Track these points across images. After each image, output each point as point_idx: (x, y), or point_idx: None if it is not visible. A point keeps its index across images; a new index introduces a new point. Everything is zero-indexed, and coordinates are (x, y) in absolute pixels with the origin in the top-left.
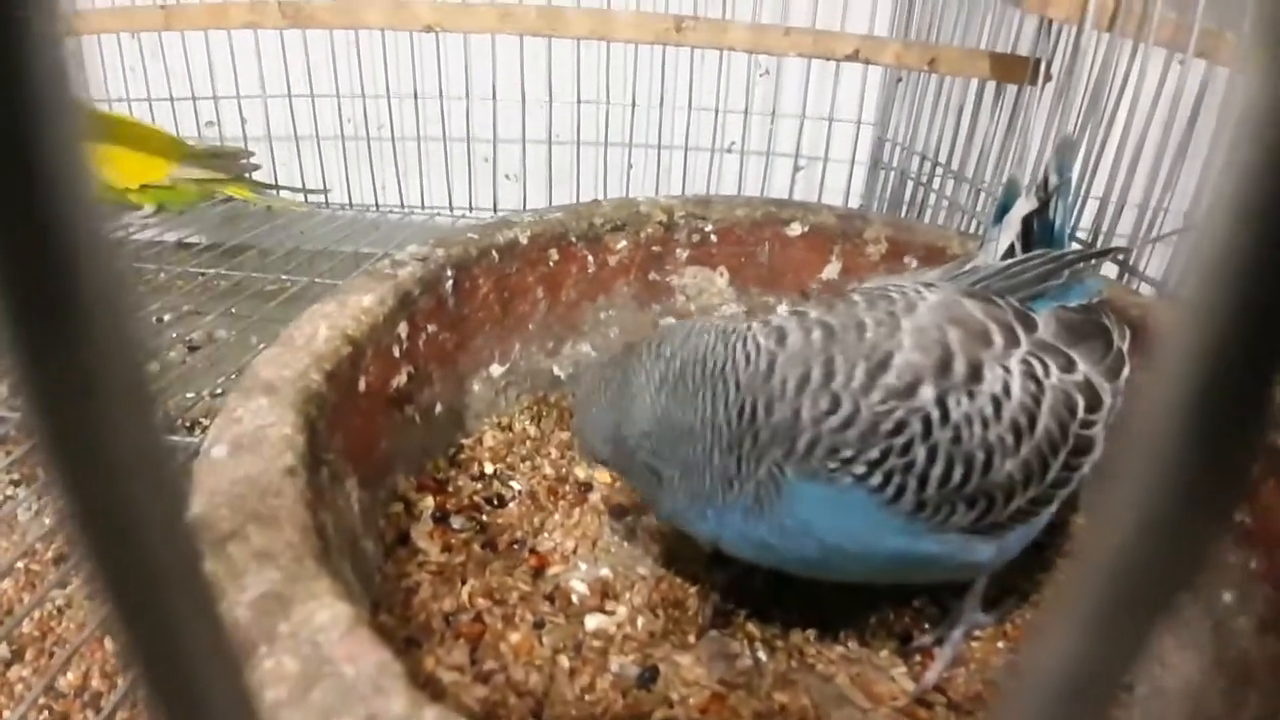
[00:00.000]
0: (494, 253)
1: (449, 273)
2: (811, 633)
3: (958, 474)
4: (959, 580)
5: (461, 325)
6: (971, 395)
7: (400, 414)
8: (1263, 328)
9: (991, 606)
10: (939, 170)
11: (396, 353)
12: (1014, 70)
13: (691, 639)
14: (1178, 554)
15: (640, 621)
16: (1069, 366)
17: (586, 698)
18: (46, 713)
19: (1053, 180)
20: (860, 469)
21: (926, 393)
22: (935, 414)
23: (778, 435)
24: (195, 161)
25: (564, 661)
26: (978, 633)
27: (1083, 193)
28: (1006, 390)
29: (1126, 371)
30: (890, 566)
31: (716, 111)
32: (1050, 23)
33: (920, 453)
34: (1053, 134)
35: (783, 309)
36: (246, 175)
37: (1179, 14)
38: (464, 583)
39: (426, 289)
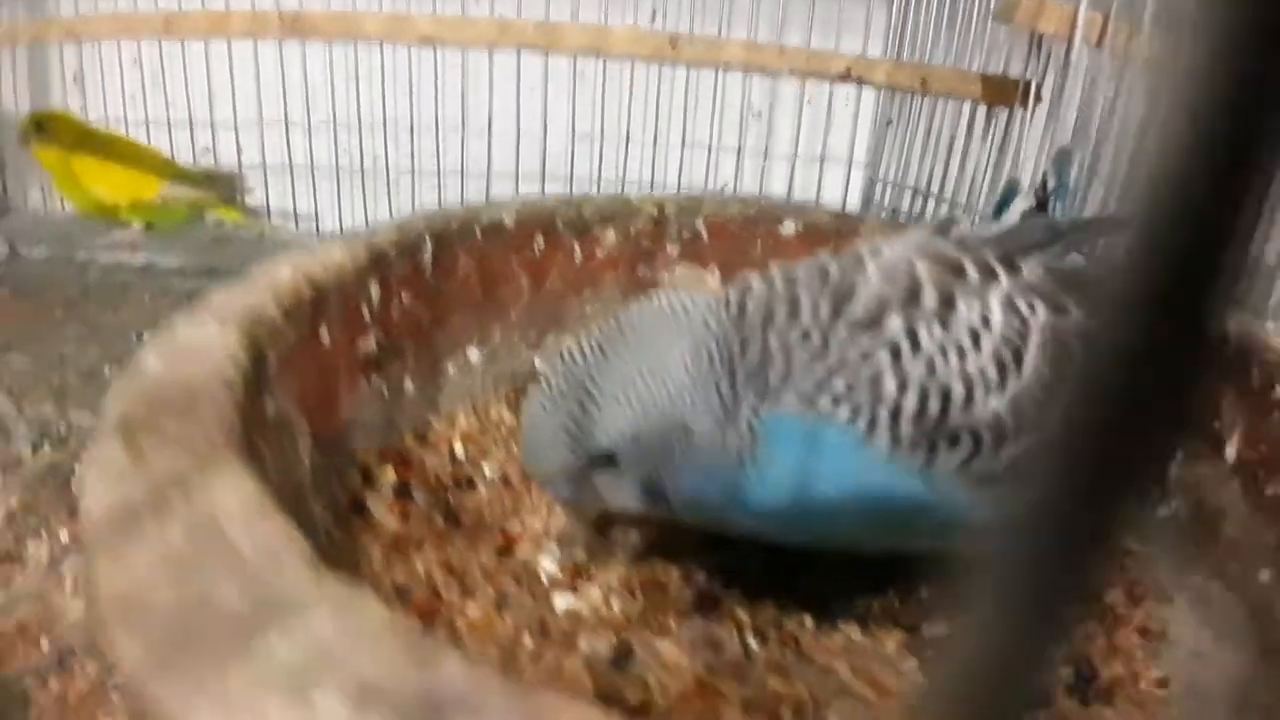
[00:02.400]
0: (477, 230)
1: (428, 242)
2: (808, 619)
3: (934, 406)
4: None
5: (439, 300)
6: (945, 325)
7: (367, 382)
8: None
9: None
10: (931, 201)
11: (366, 314)
12: (1004, 92)
13: (672, 624)
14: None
15: (615, 603)
16: (1062, 310)
17: (551, 678)
18: None
19: (1051, 183)
20: (825, 402)
21: (894, 322)
22: (905, 344)
23: (751, 376)
24: (186, 181)
25: (527, 640)
26: None
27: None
28: (986, 321)
29: None
30: (883, 517)
31: (710, 149)
32: (1039, 45)
33: (889, 385)
34: (1044, 157)
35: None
36: (238, 199)
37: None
38: (420, 554)
39: (403, 253)
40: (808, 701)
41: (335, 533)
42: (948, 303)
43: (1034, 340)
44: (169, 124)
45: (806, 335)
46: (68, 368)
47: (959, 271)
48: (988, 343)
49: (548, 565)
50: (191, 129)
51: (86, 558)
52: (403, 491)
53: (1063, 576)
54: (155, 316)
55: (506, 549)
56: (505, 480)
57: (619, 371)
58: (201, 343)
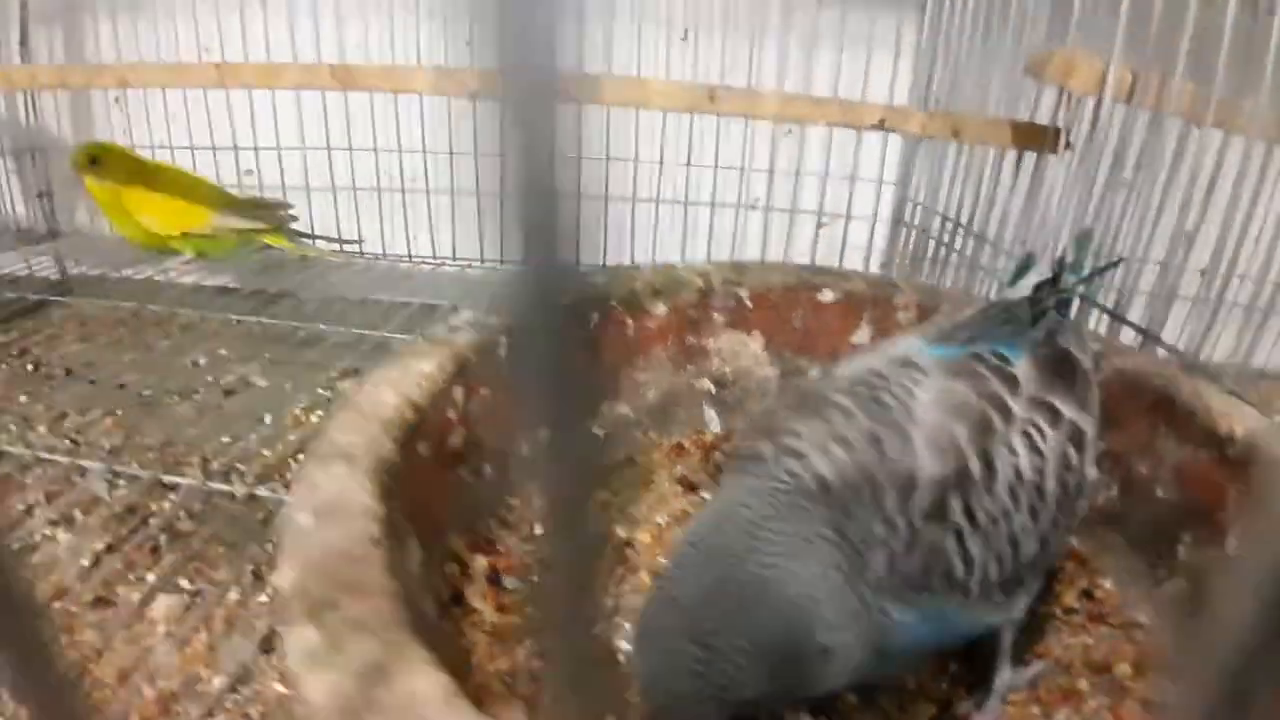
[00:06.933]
0: None
1: (503, 339)
2: (850, 694)
3: (993, 571)
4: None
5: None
6: (991, 493)
7: (454, 475)
8: None
9: (1018, 666)
10: (960, 231)
11: (453, 415)
12: (1035, 138)
13: None
14: None
15: None
16: (1055, 419)
17: None
18: None
19: (1070, 258)
20: (925, 597)
21: (955, 505)
22: (966, 526)
23: (867, 568)
24: (236, 211)
25: None
26: (1011, 696)
27: (1105, 257)
28: (1019, 475)
29: (1097, 379)
30: (946, 643)
31: (742, 170)
32: (1070, 94)
33: (958, 565)
34: (1073, 200)
35: (767, 447)
36: (285, 225)
37: (1196, 85)
38: (520, 644)
39: (481, 355)
40: None
41: (444, 626)
42: (989, 466)
43: (1050, 469)
44: (213, 147)
45: (892, 527)
46: (129, 396)
47: (989, 428)
48: (1024, 496)
49: (627, 647)
50: (236, 152)
51: None
52: (494, 579)
53: None
54: (207, 338)
55: None
56: None
57: (745, 618)
58: (341, 497)
